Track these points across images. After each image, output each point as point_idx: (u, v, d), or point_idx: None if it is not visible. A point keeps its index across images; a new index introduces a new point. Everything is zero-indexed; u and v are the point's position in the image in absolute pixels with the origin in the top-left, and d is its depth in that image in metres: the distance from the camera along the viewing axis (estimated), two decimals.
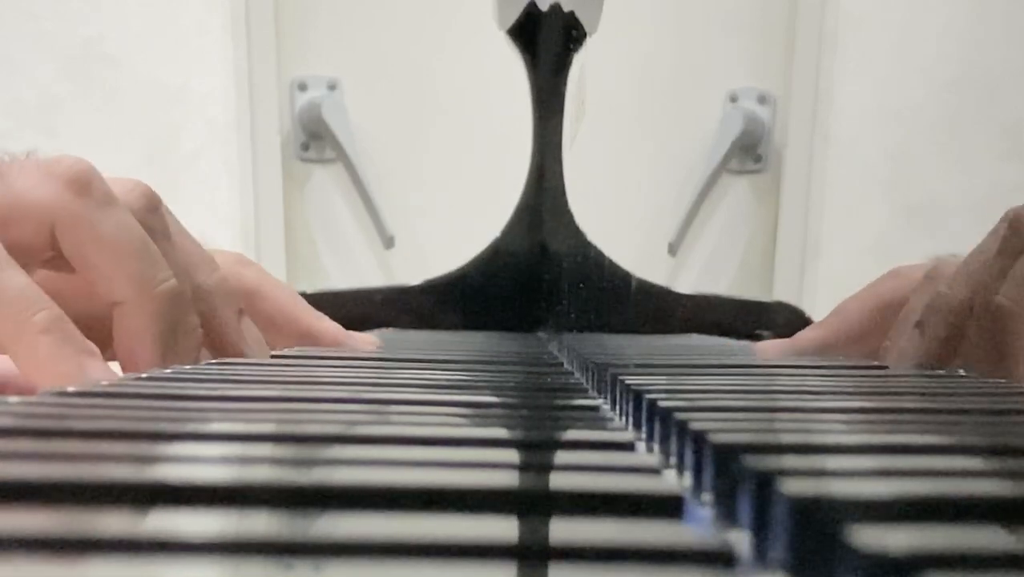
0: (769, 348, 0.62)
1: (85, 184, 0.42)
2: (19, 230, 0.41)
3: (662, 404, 0.27)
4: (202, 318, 0.46)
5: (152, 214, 0.45)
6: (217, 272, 0.48)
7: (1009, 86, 1.49)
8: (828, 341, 0.59)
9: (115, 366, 0.42)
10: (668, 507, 0.17)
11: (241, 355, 0.48)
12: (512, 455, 0.22)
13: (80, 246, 0.41)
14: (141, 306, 0.42)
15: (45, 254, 0.42)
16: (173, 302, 0.43)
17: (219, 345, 0.48)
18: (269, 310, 0.57)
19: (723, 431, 0.22)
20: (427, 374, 0.40)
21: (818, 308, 1.01)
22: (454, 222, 1.34)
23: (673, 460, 0.25)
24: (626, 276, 1.02)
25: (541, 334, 0.91)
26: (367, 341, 0.60)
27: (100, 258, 0.42)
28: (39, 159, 0.43)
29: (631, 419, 0.31)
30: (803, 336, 0.61)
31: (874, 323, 0.56)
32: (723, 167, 1.47)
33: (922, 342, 0.49)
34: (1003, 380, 0.40)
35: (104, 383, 0.32)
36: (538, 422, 0.28)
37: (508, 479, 0.19)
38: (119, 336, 0.43)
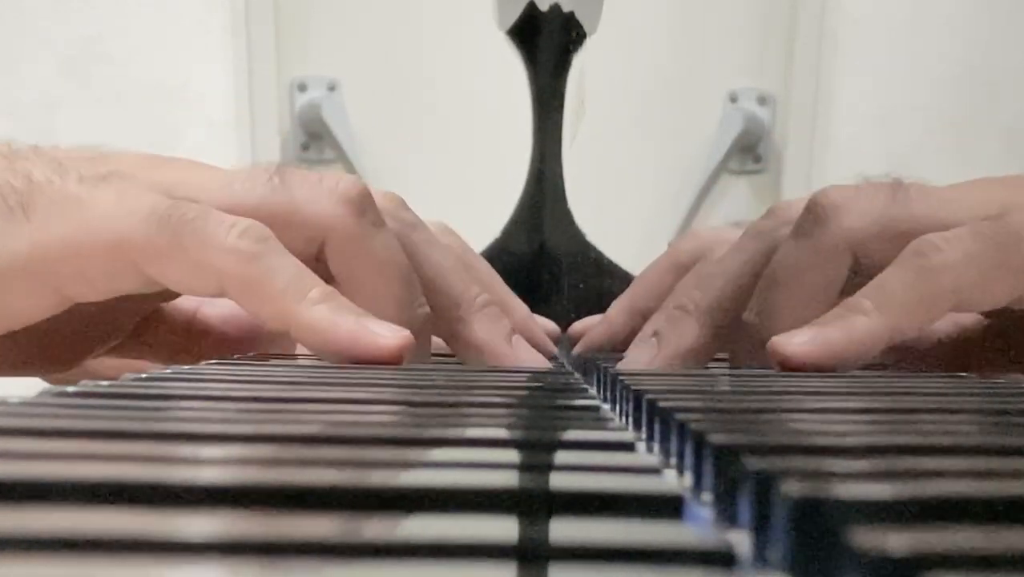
0: (580, 327, 0.64)
1: (361, 205, 0.44)
2: (291, 236, 0.42)
3: (662, 404, 0.27)
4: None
5: (413, 231, 0.47)
6: (482, 298, 0.48)
7: (1010, 86, 1.49)
8: (628, 306, 0.61)
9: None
10: (668, 507, 0.17)
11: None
12: (512, 455, 0.22)
13: (349, 264, 0.44)
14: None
15: (308, 264, 0.43)
16: (424, 328, 0.45)
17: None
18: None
19: (723, 431, 0.22)
20: (427, 374, 0.40)
21: None
22: (454, 222, 1.34)
23: (673, 460, 0.25)
24: (626, 276, 1.02)
25: None
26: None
27: (368, 278, 0.44)
28: (322, 174, 0.45)
29: (631, 419, 0.31)
30: (612, 307, 0.63)
31: (667, 285, 0.55)
32: (723, 167, 1.47)
33: (657, 349, 0.48)
34: (1003, 380, 0.40)
35: (104, 383, 0.32)
36: (538, 422, 0.28)
37: (508, 479, 0.19)
38: None
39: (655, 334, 0.49)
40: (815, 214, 0.45)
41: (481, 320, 0.47)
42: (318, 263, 0.44)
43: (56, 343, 0.47)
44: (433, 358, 0.49)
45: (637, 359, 0.48)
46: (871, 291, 0.43)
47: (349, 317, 0.41)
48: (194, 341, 0.51)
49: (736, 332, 0.47)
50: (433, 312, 0.47)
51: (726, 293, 0.48)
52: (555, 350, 0.58)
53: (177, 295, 0.48)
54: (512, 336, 0.48)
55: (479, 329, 0.47)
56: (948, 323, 0.53)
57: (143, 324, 0.50)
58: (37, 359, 0.47)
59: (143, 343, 0.51)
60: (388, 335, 0.40)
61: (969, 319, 0.52)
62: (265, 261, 0.40)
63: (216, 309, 0.52)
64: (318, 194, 0.44)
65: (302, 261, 0.43)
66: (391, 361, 0.40)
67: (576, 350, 0.64)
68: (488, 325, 0.47)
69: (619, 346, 0.58)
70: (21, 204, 0.40)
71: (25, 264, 0.40)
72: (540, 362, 0.48)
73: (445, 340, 0.49)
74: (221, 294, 0.41)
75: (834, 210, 0.45)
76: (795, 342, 0.42)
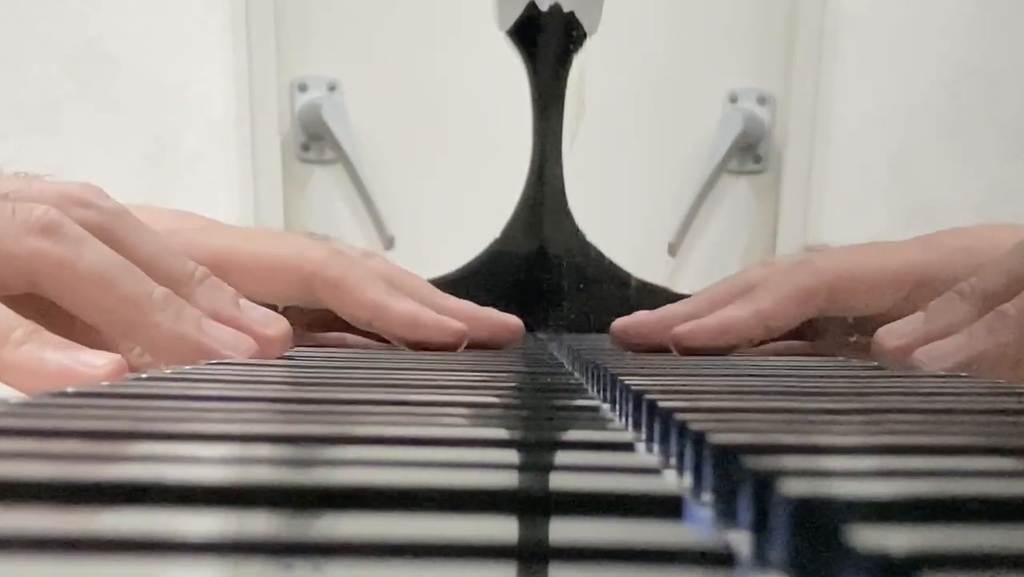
0: (630, 320, 0.64)
1: (57, 229, 0.44)
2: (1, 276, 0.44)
3: (662, 404, 0.27)
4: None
5: (117, 219, 0.47)
6: (187, 264, 0.49)
7: (1009, 87, 1.49)
8: (691, 313, 0.62)
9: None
10: (668, 507, 0.17)
11: (249, 331, 0.48)
12: (512, 455, 0.22)
13: (69, 289, 0.44)
14: (149, 327, 0.45)
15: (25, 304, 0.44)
16: (168, 303, 0.45)
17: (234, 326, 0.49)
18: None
19: (723, 431, 0.22)
20: (427, 374, 0.40)
21: None
22: (454, 222, 1.34)
23: (673, 460, 0.25)
24: (626, 276, 1.02)
25: (541, 334, 0.91)
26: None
27: (92, 294, 0.44)
28: (15, 201, 0.44)
29: (631, 419, 0.31)
30: (671, 308, 0.64)
31: (730, 298, 0.60)
32: (723, 167, 1.47)
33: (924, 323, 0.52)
34: (1003, 380, 0.40)
35: (105, 383, 0.32)
36: (538, 422, 0.28)
37: (508, 479, 0.19)
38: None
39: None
40: None
41: (203, 292, 0.48)
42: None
43: None
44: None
45: (899, 330, 0.52)
46: None
47: (56, 352, 0.40)
48: None
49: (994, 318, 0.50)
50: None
51: (1005, 289, 0.51)
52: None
53: None
54: (238, 301, 0.49)
55: (202, 300, 0.47)
56: None
57: None
58: None
59: None
60: (100, 363, 0.40)
61: None
62: None
63: None
64: (14, 230, 0.44)
65: (20, 298, 0.43)
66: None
67: (618, 325, 0.64)
68: (210, 294, 0.48)
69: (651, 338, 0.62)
70: None
71: None
72: (273, 319, 0.49)
73: None
74: None
75: None
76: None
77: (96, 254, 0.44)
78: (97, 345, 0.45)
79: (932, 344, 0.50)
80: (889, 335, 0.52)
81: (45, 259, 0.44)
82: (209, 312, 0.47)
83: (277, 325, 0.49)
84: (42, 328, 0.41)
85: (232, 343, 0.46)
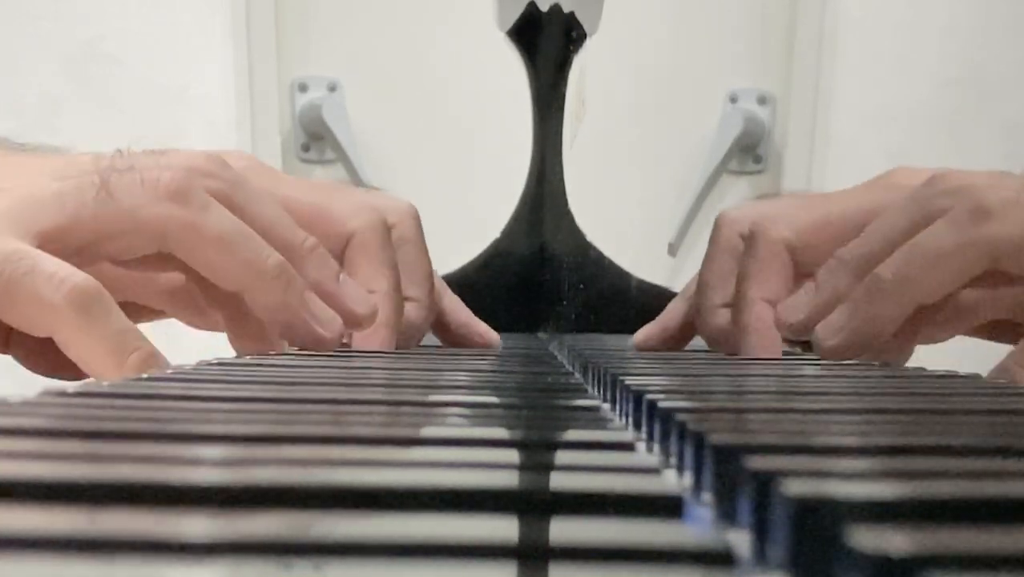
0: (642, 334, 0.66)
1: (185, 194, 0.47)
2: (131, 243, 0.47)
3: (662, 404, 0.27)
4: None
5: (236, 188, 0.50)
6: (303, 237, 0.52)
7: (1010, 87, 1.49)
8: (687, 309, 0.63)
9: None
10: (668, 507, 0.17)
11: (342, 308, 0.51)
12: (512, 455, 0.22)
13: (193, 251, 0.48)
14: (262, 290, 0.48)
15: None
16: (281, 271, 0.49)
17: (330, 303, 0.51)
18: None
19: (723, 431, 0.22)
20: (427, 374, 0.40)
21: None
22: (454, 222, 1.34)
23: (673, 460, 0.25)
24: (626, 276, 1.02)
25: (541, 334, 0.91)
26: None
27: (215, 256, 0.48)
28: (144, 170, 0.48)
29: (631, 419, 0.31)
30: (667, 310, 0.66)
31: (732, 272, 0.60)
32: (723, 167, 1.47)
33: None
34: (1003, 381, 0.40)
35: (105, 384, 0.32)
36: (538, 422, 0.28)
37: (508, 479, 0.19)
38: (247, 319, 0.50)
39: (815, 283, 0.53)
40: (973, 213, 0.49)
41: (311, 262, 0.51)
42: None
43: None
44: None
45: (796, 304, 0.53)
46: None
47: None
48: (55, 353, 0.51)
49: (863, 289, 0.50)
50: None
51: (882, 250, 0.51)
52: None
53: None
54: (339, 276, 0.52)
55: (310, 270, 0.50)
56: None
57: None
58: None
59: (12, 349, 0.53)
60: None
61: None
62: (88, 323, 0.43)
63: None
64: (144, 197, 0.46)
65: (148, 259, 0.47)
66: None
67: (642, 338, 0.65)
68: (316, 266, 0.51)
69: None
70: None
71: None
72: (365, 300, 0.52)
73: None
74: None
75: (986, 215, 0.49)
76: None
77: (219, 219, 0.47)
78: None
79: (827, 320, 0.51)
80: (787, 310, 0.53)
81: (174, 222, 0.47)
82: (312, 283, 0.50)
83: (368, 306, 0.52)
84: (158, 354, 0.45)
85: (324, 321, 0.50)
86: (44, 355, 0.50)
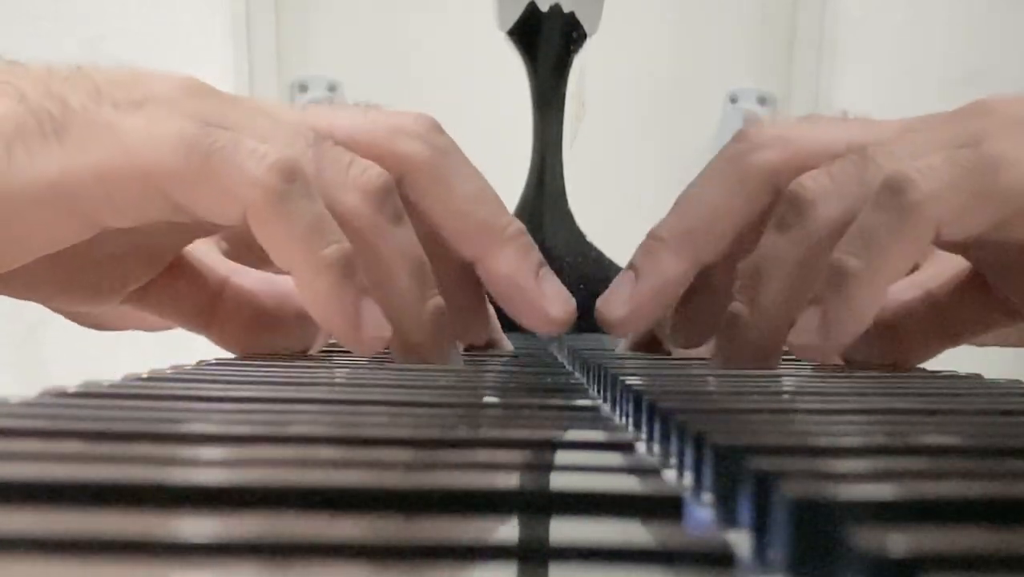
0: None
1: (380, 200, 0.42)
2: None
3: (662, 404, 0.27)
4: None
5: (444, 156, 0.46)
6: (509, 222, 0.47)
7: (1010, 87, 1.49)
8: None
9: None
10: (668, 507, 0.17)
11: (536, 306, 0.46)
12: (512, 455, 0.22)
13: (366, 254, 0.42)
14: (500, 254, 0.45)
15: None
16: (434, 320, 0.44)
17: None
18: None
19: (723, 431, 0.22)
20: (427, 374, 0.40)
21: None
22: None
23: (673, 460, 0.25)
24: None
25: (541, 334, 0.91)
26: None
27: (383, 268, 0.42)
28: (351, 161, 0.43)
29: (631, 419, 0.31)
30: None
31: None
32: None
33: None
34: (1004, 380, 0.40)
35: (105, 383, 0.32)
36: (538, 422, 0.28)
37: (508, 479, 0.19)
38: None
39: (632, 268, 0.48)
40: (795, 207, 0.44)
41: (509, 250, 0.45)
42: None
43: (85, 271, 0.46)
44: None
45: (617, 295, 0.47)
46: (855, 241, 0.41)
47: (348, 296, 0.40)
48: (220, 303, 0.49)
49: (724, 326, 0.46)
50: (458, 242, 0.45)
51: (704, 220, 0.47)
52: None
53: (208, 232, 0.47)
54: (541, 270, 0.46)
55: (506, 259, 0.45)
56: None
57: (171, 273, 0.49)
58: (66, 289, 0.47)
59: (169, 293, 0.49)
60: (373, 331, 0.41)
61: (908, 294, 0.51)
62: (288, 202, 0.39)
63: (248, 280, 0.50)
64: (345, 186, 0.42)
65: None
66: (365, 351, 0.41)
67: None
68: (516, 255, 0.46)
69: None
70: (55, 129, 0.40)
71: (53, 189, 0.39)
72: (566, 300, 0.46)
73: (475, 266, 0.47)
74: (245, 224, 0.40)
75: (811, 205, 0.43)
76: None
77: (404, 237, 0.42)
78: None
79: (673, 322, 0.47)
80: (607, 305, 0.47)
81: (363, 222, 0.42)
82: (506, 274, 0.45)
83: (566, 306, 0.46)
84: (353, 253, 0.40)
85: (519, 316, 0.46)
86: (249, 329, 0.47)
